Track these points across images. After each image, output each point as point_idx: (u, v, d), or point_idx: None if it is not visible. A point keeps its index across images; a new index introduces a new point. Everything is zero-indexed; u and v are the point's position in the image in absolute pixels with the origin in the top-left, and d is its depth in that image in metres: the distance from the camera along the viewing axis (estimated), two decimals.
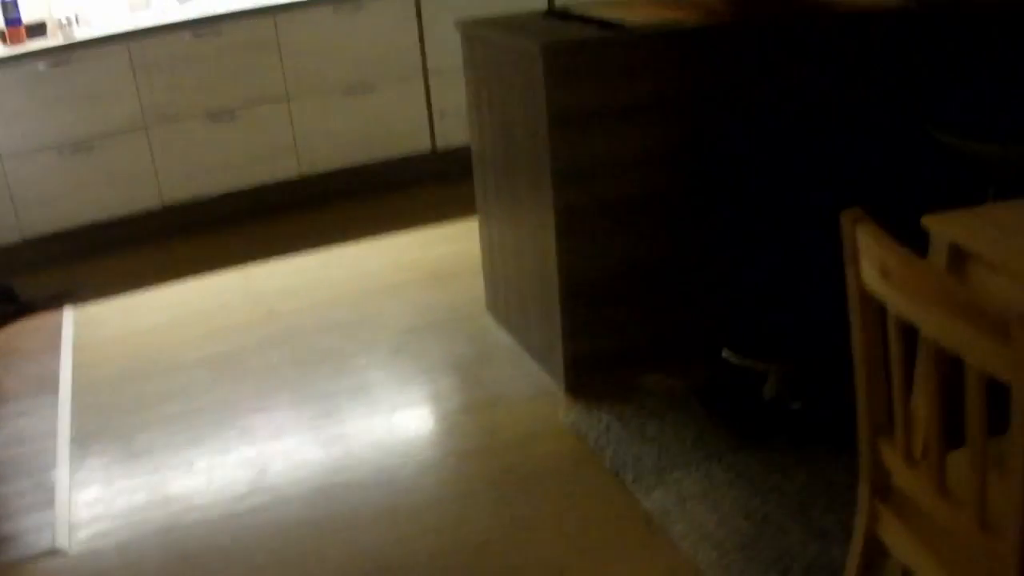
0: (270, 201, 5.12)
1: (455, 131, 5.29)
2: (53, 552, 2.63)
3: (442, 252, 4.38)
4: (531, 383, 3.24)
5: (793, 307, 3.28)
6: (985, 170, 3.20)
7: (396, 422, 3.12)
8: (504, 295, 3.56)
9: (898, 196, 3.53)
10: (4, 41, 4.56)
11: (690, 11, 3.23)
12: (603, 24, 3.08)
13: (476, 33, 3.32)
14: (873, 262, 1.51)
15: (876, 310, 1.59)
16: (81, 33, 4.59)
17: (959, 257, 2.00)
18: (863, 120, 3.30)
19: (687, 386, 3.13)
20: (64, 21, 4.65)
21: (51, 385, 3.51)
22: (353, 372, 3.41)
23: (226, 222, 4.98)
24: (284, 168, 5.09)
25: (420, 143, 5.37)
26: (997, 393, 1.35)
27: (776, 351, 3.08)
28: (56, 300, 4.24)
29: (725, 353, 3.13)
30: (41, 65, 4.45)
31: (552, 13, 3.42)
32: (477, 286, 3.79)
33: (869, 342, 1.63)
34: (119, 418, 3.27)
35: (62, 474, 2.97)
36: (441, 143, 5.39)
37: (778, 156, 3.18)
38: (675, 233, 3.17)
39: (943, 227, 2.02)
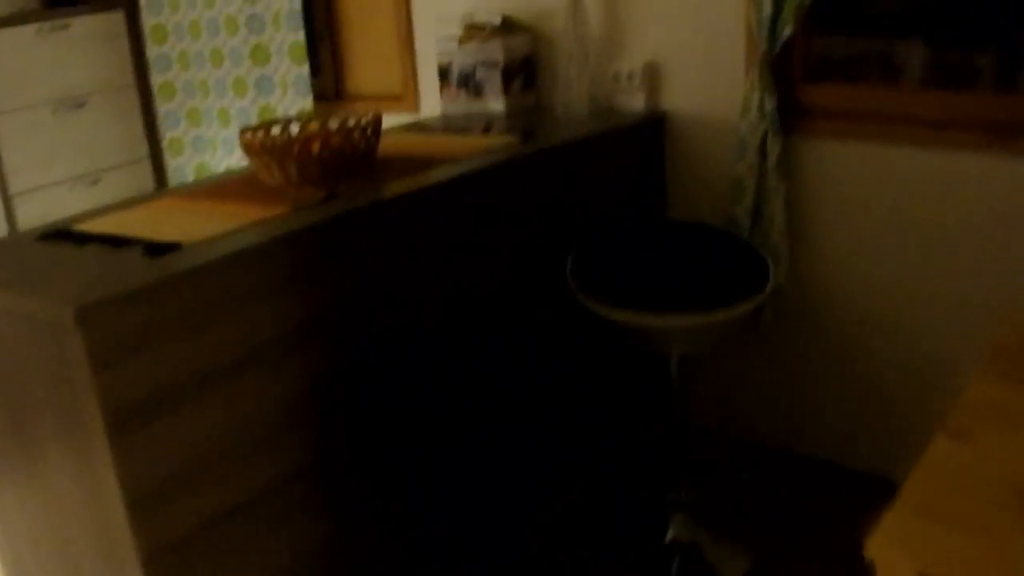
0: None
1: None
2: None
3: None
4: None
5: None
6: (662, 344, 2.54)
7: None
8: None
9: (574, 396, 2.80)
10: None
11: (257, 203, 2.26)
12: (150, 248, 2.01)
13: None
14: None
15: None
16: None
17: None
18: (515, 298, 2.54)
19: None
20: None
21: None
22: None
23: None
24: None
25: None
26: None
27: None
28: None
29: None
30: None
31: (54, 235, 2.24)
32: None
33: None
34: None
35: None
36: None
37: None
38: (335, 527, 2.16)
39: (898, 554, 1.24)
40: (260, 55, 4.07)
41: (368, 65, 3.95)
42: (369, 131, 2.43)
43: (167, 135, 4.55)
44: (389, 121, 3.48)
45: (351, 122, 2.55)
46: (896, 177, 2.73)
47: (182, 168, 4.49)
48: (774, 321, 3.03)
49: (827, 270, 2.91)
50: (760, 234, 2.90)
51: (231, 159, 4.31)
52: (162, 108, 4.52)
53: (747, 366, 3.15)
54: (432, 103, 3.64)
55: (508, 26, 3.22)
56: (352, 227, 2.14)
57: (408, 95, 3.76)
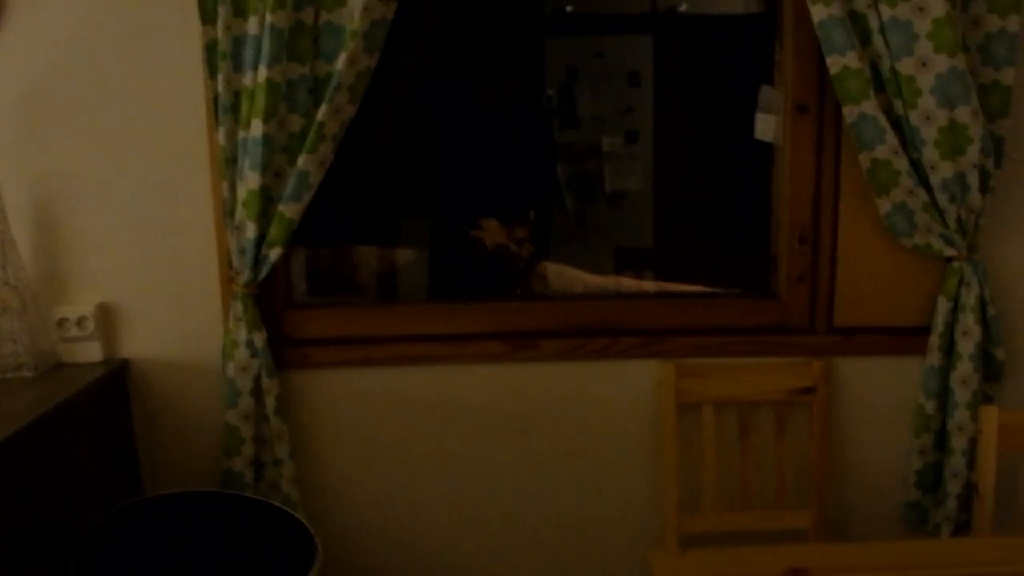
0: None
1: None
2: None
3: None
4: None
5: None
6: None
7: None
8: None
9: None
10: None
11: None
12: None
13: None
14: None
15: None
16: None
17: None
18: None
19: None
20: None
21: None
22: None
23: None
24: None
25: None
26: None
27: None
28: None
29: None
30: None
31: None
32: None
33: None
34: None
35: None
36: None
37: None
38: None
39: None
40: None
41: None
42: None
43: None
44: None
45: None
46: (409, 399, 2.55)
47: None
48: None
49: (349, 513, 2.61)
50: (267, 486, 2.51)
51: None
52: None
53: None
54: None
55: None
56: None
57: None
